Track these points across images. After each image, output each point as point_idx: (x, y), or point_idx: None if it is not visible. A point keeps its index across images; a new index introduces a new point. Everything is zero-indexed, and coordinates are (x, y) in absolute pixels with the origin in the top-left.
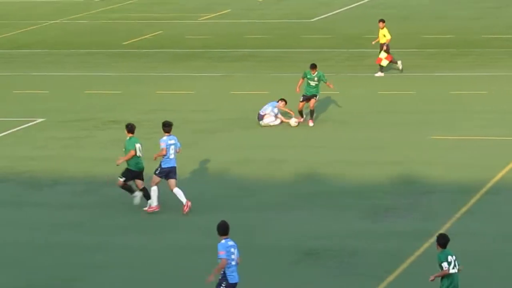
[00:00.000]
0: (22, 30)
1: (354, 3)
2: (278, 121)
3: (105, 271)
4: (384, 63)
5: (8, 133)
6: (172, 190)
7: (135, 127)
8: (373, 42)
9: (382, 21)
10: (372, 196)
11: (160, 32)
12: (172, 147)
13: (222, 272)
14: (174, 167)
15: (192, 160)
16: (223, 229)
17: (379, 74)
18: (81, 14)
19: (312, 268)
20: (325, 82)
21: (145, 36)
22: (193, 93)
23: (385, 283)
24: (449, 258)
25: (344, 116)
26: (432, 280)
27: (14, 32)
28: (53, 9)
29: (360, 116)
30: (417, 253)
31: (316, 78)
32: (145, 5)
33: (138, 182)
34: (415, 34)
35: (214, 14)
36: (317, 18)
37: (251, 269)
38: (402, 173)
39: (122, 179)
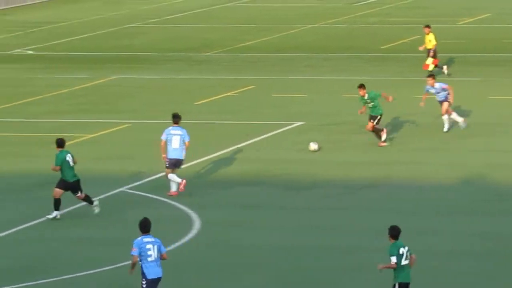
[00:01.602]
0: (281, 34)
1: None
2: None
3: (357, 274)
4: (430, 68)
5: (267, 136)
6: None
7: (64, 142)
8: (420, 48)
9: (428, 26)
10: None
11: (418, 36)
12: (177, 137)
13: (141, 269)
14: (180, 160)
15: (442, 164)
16: (142, 227)
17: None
18: (339, 18)
19: None
20: (380, 96)
21: (404, 40)
22: None
23: None
24: (401, 250)
25: None
26: (380, 269)
27: (274, 36)
28: (312, 13)
29: None
30: None
31: (369, 100)
32: (404, 9)
33: (79, 195)
34: None
35: (473, 19)
36: None
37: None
38: None
39: (81, 194)
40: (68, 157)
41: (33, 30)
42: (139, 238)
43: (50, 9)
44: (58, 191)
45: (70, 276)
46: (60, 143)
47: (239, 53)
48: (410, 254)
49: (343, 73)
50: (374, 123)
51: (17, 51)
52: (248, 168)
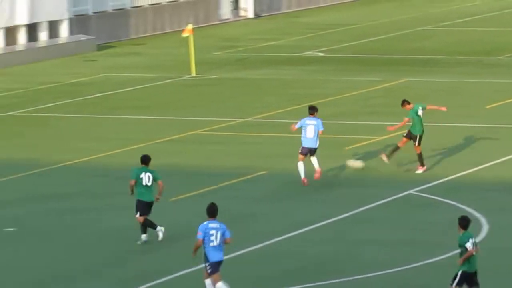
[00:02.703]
0: None
1: None
2: None
3: None
4: None
5: None
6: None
7: (147, 159)
8: None
9: None
10: None
11: None
12: (312, 127)
13: (204, 253)
14: (313, 148)
15: None
16: (209, 212)
17: None
18: None
19: None
20: (414, 114)
21: None
22: None
23: None
24: (470, 240)
25: None
26: (460, 264)
27: None
28: None
29: None
30: None
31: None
32: None
33: (140, 218)
34: None
35: None
36: None
37: None
38: None
39: (137, 215)
40: (143, 175)
41: (324, 32)
42: (205, 223)
43: (342, 11)
44: (139, 218)
45: (357, 277)
46: (143, 160)
47: None
48: (476, 245)
49: None
50: (417, 144)
51: (308, 53)
52: None
